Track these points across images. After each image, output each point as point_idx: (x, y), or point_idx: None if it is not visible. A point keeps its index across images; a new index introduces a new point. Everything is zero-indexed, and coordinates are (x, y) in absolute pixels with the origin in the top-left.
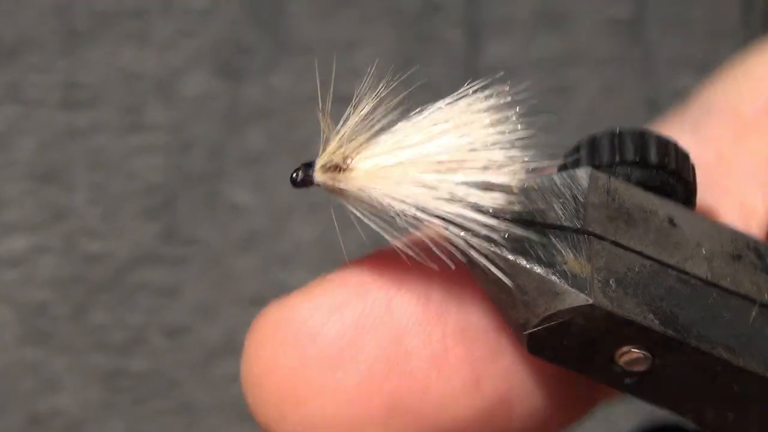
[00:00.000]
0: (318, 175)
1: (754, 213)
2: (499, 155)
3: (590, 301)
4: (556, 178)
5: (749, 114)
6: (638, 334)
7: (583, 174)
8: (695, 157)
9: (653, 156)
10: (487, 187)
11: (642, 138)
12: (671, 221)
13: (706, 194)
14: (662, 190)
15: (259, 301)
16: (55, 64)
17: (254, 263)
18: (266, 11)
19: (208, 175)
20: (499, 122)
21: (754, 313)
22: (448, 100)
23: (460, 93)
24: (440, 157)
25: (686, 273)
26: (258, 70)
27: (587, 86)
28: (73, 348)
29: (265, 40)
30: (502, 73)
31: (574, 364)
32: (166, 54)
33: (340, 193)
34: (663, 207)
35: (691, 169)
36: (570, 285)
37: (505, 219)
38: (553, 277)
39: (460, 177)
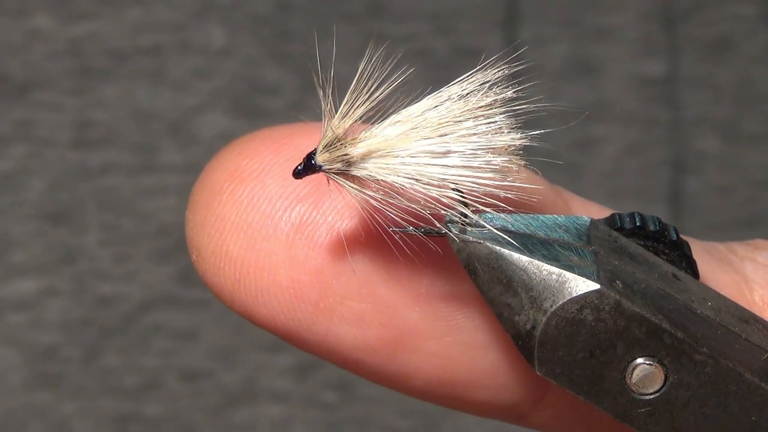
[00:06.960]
0: (320, 156)
1: None
2: (498, 121)
3: (598, 287)
4: (559, 217)
5: None
6: (649, 337)
7: (584, 218)
8: (714, 282)
9: (652, 226)
10: (491, 149)
11: (640, 215)
12: (675, 276)
13: None
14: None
15: (280, 347)
16: (66, 102)
17: None
18: (292, 50)
19: None
20: (500, 101)
21: (765, 356)
22: (452, 86)
23: (463, 79)
24: (443, 124)
25: (694, 310)
26: (283, 108)
27: (612, 142)
28: (83, 392)
29: (291, 79)
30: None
31: (584, 386)
32: (182, 92)
33: (343, 170)
34: (666, 265)
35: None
36: (577, 274)
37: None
38: (559, 269)
39: (465, 144)
